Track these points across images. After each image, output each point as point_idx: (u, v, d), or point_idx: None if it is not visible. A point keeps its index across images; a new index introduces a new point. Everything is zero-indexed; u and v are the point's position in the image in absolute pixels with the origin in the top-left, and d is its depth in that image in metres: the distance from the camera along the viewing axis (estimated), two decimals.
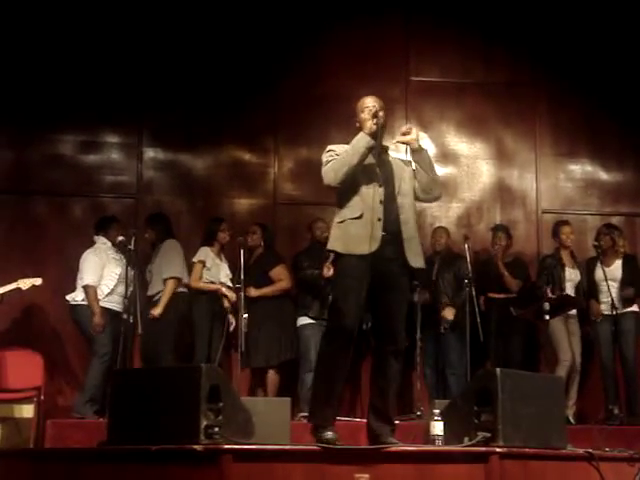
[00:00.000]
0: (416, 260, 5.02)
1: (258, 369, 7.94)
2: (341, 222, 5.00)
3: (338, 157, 5.00)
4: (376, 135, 4.96)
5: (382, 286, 4.94)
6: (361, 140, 4.97)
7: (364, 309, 4.98)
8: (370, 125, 4.98)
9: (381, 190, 4.98)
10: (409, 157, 5.19)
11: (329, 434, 4.67)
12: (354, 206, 4.97)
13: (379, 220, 4.90)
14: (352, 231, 4.92)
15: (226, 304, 7.80)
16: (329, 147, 5.14)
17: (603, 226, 8.30)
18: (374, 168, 5.02)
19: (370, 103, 5.12)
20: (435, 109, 9.19)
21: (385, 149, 5.19)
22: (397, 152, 5.45)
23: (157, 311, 7.63)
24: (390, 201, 5.00)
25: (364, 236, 4.86)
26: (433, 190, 5.19)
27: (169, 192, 8.79)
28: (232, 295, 7.76)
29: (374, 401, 5.01)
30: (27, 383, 7.60)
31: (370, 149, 4.97)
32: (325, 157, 5.09)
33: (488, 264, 8.25)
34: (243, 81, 8.81)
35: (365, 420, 5.14)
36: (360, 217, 4.92)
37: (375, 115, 4.98)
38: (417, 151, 5.10)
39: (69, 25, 8.62)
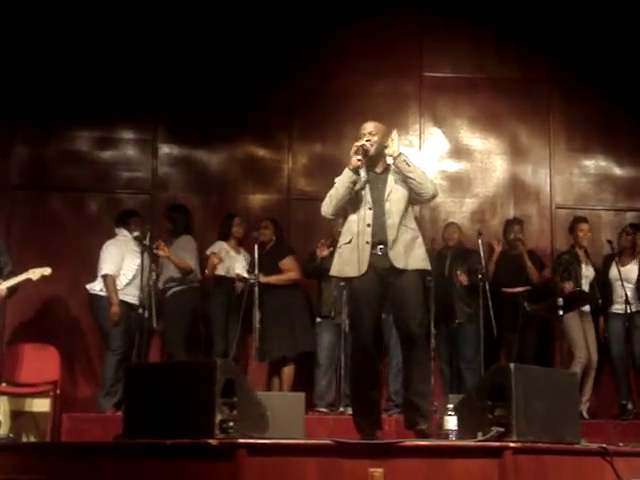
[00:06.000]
0: (399, 261, 5.27)
1: (274, 362, 7.97)
2: (339, 248, 5.39)
3: (327, 196, 5.41)
4: (357, 170, 5.29)
5: (394, 292, 5.30)
6: (345, 175, 5.32)
7: (378, 318, 5.48)
8: (353, 161, 5.29)
9: (370, 213, 5.29)
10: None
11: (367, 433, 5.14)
12: (346, 232, 5.37)
13: (367, 243, 5.24)
14: (345, 255, 5.32)
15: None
16: (336, 180, 5.42)
17: (629, 226, 8.27)
18: (365, 193, 5.33)
19: (364, 130, 5.44)
20: (449, 104, 9.19)
21: (386, 168, 5.45)
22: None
23: None
24: (380, 217, 5.30)
25: (354, 260, 5.24)
26: (422, 191, 5.39)
27: (184, 188, 8.83)
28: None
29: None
30: (43, 377, 7.66)
31: (354, 183, 5.30)
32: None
33: (502, 258, 8.24)
34: (258, 77, 8.82)
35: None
36: (350, 242, 5.30)
37: (358, 152, 5.28)
38: (395, 157, 5.38)
39: (85, 22, 8.66)
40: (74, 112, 8.61)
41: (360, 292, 5.27)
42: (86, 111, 8.63)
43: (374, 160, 5.42)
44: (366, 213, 5.27)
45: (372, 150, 5.35)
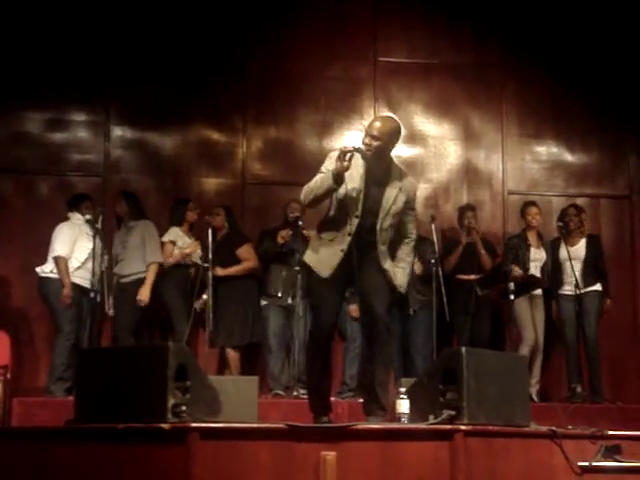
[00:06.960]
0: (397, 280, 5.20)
1: (222, 348, 7.96)
2: (320, 238, 5.17)
3: (312, 181, 5.07)
4: (341, 177, 4.89)
5: (364, 281, 5.14)
6: (327, 179, 4.95)
7: (339, 306, 5.34)
8: (337, 165, 4.90)
9: (355, 221, 5.03)
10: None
11: (323, 419, 5.16)
12: (331, 229, 5.11)
13: (342, 251, 5.03)
14: (322, 252, 5.12)
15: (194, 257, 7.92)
16: (330, 154, 5.12)
17: (572, 207, 8.37)
18: (358, 198, 5.02)
19: (369, 131, 5.02)
20: (403, 90, 9.21)
21: (388, 174, 5.11)
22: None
23: (145, 295, 7.61)
24: (366, 232, 5.06)
25: (328, 261, 5.06)
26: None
27: (136, 171, 8.76)
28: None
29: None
30: None
31: (333, 190, 4.98)
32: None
33: (455, 245, 8.29)
34: (212, 59, 8.78)
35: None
36: (331, 241, 5.08)
37: (342, 157, 4.85)
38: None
39: (35, 2, 8.53)
40: (25, 93, 8.49)
41: (324, 283, 5.11)
42: (37, 92, 8.51)
43: (374, 163, 5.06)
44: (352, 221, 5.02)
45: (369, 156, 5.01)
